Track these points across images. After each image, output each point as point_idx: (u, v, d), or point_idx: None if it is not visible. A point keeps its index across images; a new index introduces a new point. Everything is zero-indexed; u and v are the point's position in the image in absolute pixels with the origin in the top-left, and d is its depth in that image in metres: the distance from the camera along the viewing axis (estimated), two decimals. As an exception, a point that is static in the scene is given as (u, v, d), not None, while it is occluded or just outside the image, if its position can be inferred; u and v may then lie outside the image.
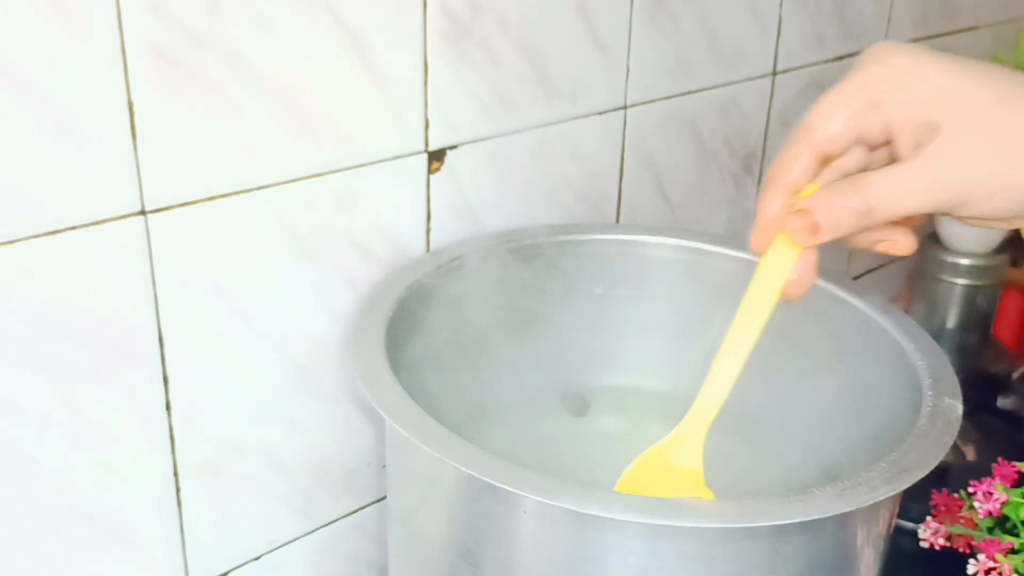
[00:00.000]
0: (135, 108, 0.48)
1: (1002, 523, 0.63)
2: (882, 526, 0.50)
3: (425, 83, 0.60)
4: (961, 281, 0.94)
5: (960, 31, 1.02)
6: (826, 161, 0.47)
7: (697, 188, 0.81)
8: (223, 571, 0.60)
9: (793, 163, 0.46)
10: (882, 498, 0.43)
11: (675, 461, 0.49)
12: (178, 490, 0.56)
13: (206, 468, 0.57)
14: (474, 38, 0.61)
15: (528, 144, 0.67)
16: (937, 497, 0.66)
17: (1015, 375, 0.98)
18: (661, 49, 0.73)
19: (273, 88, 0.53)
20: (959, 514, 0.65)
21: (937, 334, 0.94)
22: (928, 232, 0.97)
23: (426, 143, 0.61)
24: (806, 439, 0.62)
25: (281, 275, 0.57)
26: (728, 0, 0.76)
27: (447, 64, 0.60)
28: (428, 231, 0.63)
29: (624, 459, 0.66)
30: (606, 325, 0.68)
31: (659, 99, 0.75)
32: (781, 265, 0.47)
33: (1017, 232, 0.97)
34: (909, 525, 0.67)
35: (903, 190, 0.43)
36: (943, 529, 0.65)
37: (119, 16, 0.46)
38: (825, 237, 0.45)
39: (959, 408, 0.50)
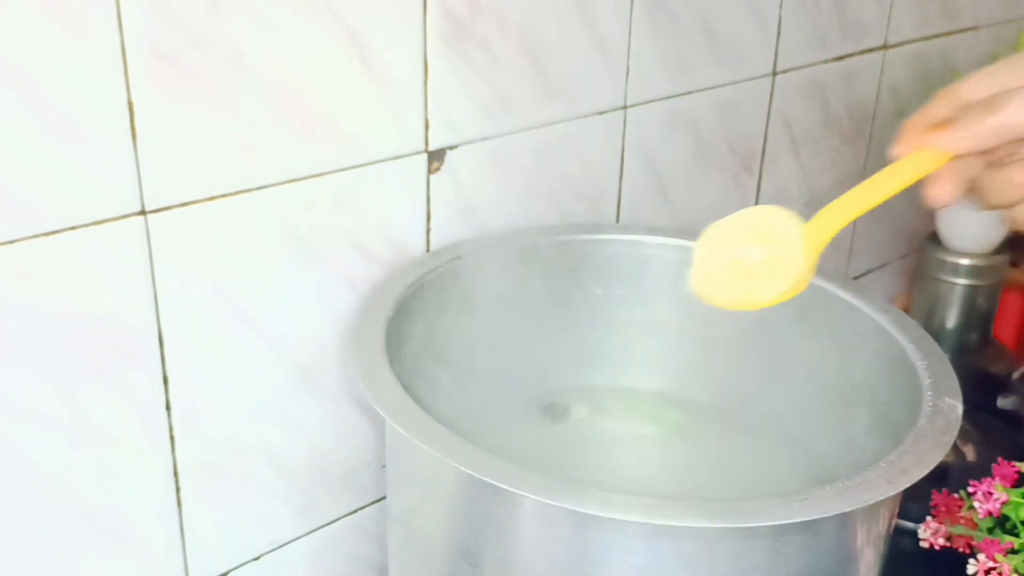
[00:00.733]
0: (135, 108, 0.48)
1: (1002, 523, 0.62)
2: (882, 526, 0.50)
3: (425, 83, 0.60)
4: (961, 281, 0.94)
5: (960, 31, 1.02)
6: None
7: (697, 188, 0.81)
8: (223, 571, 0.60)
9: (934, 112, 0.48)
10: (882, 498, 0.43)
11: (780, 239, 0.47)
12: (178, 490, 0.56)
13: (206, 468, 0.57)
14: (474, 38, 0.61)
15: (528, 144, 0.67)
16: (937, 497, 0.66)
17: (1015, 375, 0.97)
18: (661, 49, 0.73)
19: (273, 88, 0.53)
20: (959, 514, 0.65)
21: (937, 334, 0.94)
22: (928, 232, 0.97)
23: (426, 143, 0.61)
24: (806, 438, 0.62)
25: (281, 275, 0.57)
26: (728, 0, 0.77)
27: (447, 64, 0.60)
28: (428, 231, 0.63)
29: (624, 459, 0.66)
30: (606, 325, 0.68)
31: (659, 99, 0.75)
32: (921, 162, 0.47)
33: (1017, 232, 0.97)
34: (909, 525, 0.67)
35: None
36: (943, 529, 0.65)
37: (119, 16, 0.46)
38: (963, 144, 0.46)
39: (959, 408, 0.50)
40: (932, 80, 1.01)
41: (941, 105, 0.49)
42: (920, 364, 0.54)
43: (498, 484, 0.43)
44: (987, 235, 0.93)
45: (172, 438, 0.55)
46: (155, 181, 0.50)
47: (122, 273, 0.50)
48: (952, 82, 0.49)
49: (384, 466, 0.65)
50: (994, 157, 0.48)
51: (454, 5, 0.59)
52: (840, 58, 0.89)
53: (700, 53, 0.76)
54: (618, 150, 0.73)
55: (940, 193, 0.48)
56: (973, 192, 0.50)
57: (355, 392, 0.62)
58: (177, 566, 0.57)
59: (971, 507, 0.63)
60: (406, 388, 0.49)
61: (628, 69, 0.71)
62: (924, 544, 0.65)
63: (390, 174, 0.60)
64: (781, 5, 0.81)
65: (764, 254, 0.47)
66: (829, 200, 0.49)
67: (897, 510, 0.51)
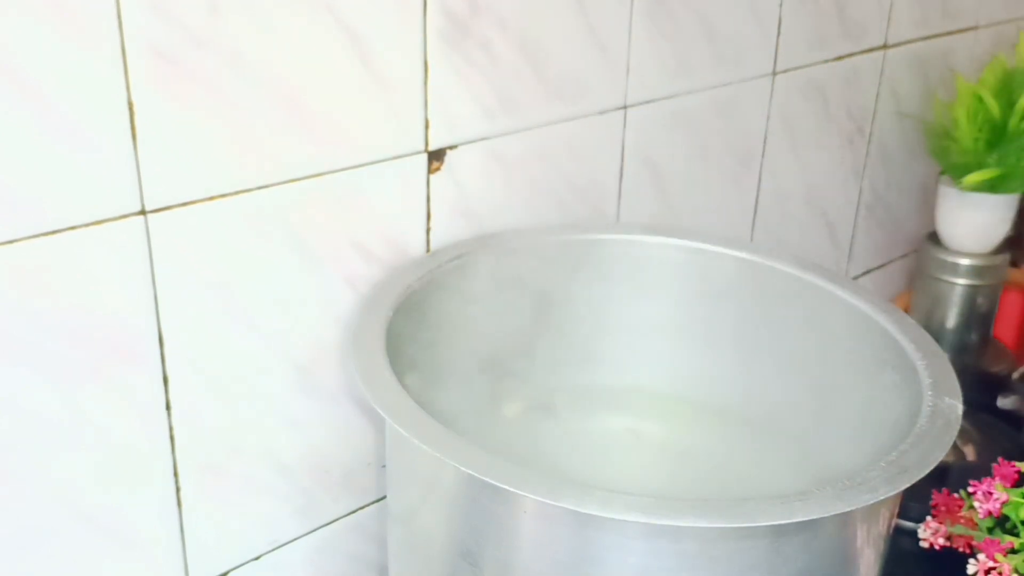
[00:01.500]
0: (135, 108, 0.48)
1: (1002, 523, 0.62)
2: (882, 526, 0.50)
3: (425, 83, 0.60)
4: (961, 281, 0.94)
5: (960, 31, 1.02)
6: None
7: (697, 187, 0.81)
8: (223, 571, 0.60)
9: None
10: (882, 498, 0.43)
11: None
12: (178, 490, 0.56)
13: (206, 468, 0.57)
14: (474, 38, 0.61)
15: (528, 144, 0.67)
16: (937, 497, 0.66)
17: (1015, 375, 0.98)
18: (661, 49, 0.73)
19: (273, 88, 0.53)
20: (959, 514, 0.65)
21: (937, 334, 0.95)
22: (928, 232, 0.97)
23: (426, 143, 0.61)
24: (806, 438, 0.62)
25: (281, 275, 0.57)
26: (728, 0, 0.77)
27: (447, 64, 0.60)
28: (428, 231, 0.63)
29: (624, 459, 0.66)
30: (606, 325, 0.68)
31: (659, 99, 0.75)
32: None
33: (1017, 232, 0.97)
34: (909, 525, 0.67)
35: None
36: (943, 529, 0.65)
37: (119, 16, 0.46)
38: None
39: (959, 408, 0.50)
40: (932, 80, 1.01)
41: None
42: (920, 364, 0.54)
43: (498, 484, 0.43)
44: (987, 235, 0.93)
45: (172, 438, 0.55)
46: (155, 181, 0.50)
47: (122, 273, 0.50)
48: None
49: (384, 466, 0.65)
50: None
51: (454, 5, 0.59)
52: (840, 58, 0.89)
53: (700, 53, 0.76)
54: (618, 150, 0.73)
55: None
56: None
57: (355, 392, 0.62)
58: (177, 566, 0.57)
59: (971, 507, 0.63)
60: (406, 388, 0.49)
61: (628, 69, 0.71)
62: (924, 544, 0.65)
63: (390, 174, 0.60)
64: (781, 5, 0.81)
65: None
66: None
67: (897, 510, 0.51)
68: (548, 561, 0.46)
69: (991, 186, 0.91)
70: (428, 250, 0.64)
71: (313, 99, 0.55)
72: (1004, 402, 0.92)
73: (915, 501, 0.66)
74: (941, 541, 0.65)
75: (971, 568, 0.60)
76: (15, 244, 0.46)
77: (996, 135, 0.90)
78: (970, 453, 0.87)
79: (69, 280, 0.48)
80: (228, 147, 0.52)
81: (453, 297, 0.61)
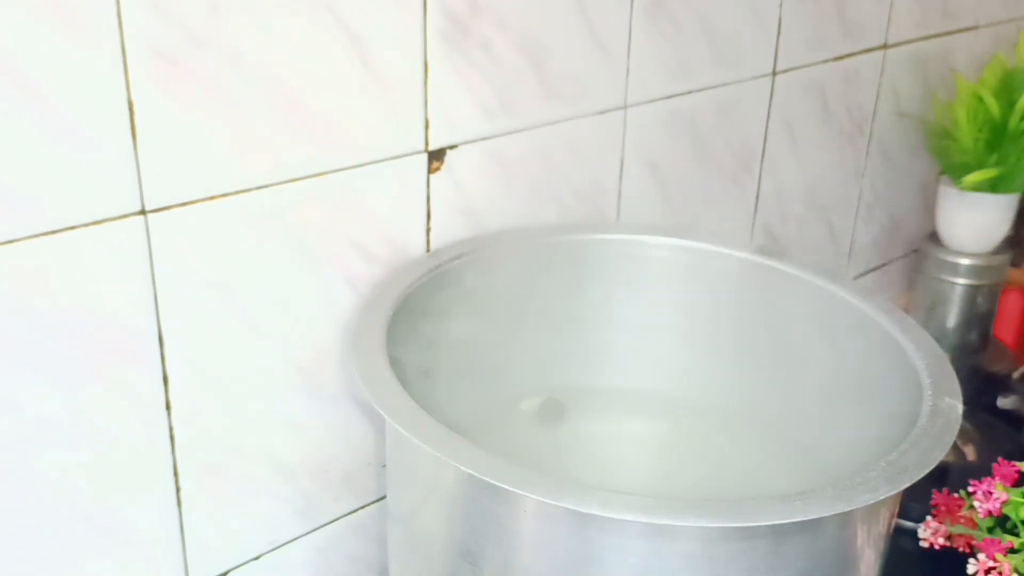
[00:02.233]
0: (135, 108, 0.48)
1: (1002, 523, 0.62)
2: (882, 526, 0.50)
3: (425, 83, 0.60)
4: (961, 281, 0.94)
5: (960, 31, 1.02)
6: None
7: (697, 188, 0.81)
8: (223, 571, 0.60)
9: None
10: (882, 498, 0.43)
11: None
12: (178, 490, 0.56)
13: (206, 468, 0.57)
14: (474, 38, 0.61)
15: (528, 144, 0.67)
16: (937, 497, 0.66)
17: (1015, 375, 0.98)
18: (661, 49, 0.73)
19: (273, 88, 0.53)
20: (959, 514, 0.65)
21: (937, 334, 0.94)
22: (928, 232, 0.97)
23: (426, 143, 0.61)
24: (806, 438, 0.62)
25: (281, 275, 0.57)
26: (728, 0, 0.77)
27: (447, 64, 0.60)
28: (428, 231, 0.63)
29: (623, 459, 0.66)
30: (606, 324, 0.68)
31: (659, 99, 0.75)
32: None
33: (1017, 232, 0.97)
34: (909, 525, 0.67)
35: None
36: (943, 529, 0.65)
37: (119, 16, 0.46)
38: None
39: (959, 408, 0.50)
40: (932, 80, 1.01)
41: None
42: (920, 364, 0.54)
43: (498, 484, 0.43)
44: (987, 235, 0.93)
45: (172, 438, 0.55)
46: (155, 181, 0.50)
47: (122, 273, 0.50)
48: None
49: (384, 466, 0.65)
50: None
51: (454, 5, 0.59)
52: (840, 58, 0.89)
53: (700, 53, 0.76)
54: (618, 150, 0.73)
55: None
56: None
57: (355, 392, 0.62)
58: (177, 566, 0.57)
59: (971, 507, 0.63)
60: (406, 388, 0.49)
61: (628, 69, 0.71)
62: (924, 544, 0.65)
63: (390, 174, 0.60)
64: (781, 5, 0.81)
65: None
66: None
67: (897, 510, 0.51)
68: (548, 561, 0.46)
69: (991, 186, 0.91)
70: (428, 250, 0.64)
71: (313, 99, 0.55)
72: (1004, 402, 0.92)
73: (915, 501, 0.66)
74: (941, 541, 0.65)
75: (971, 568, 0.60)
76: (15, 244, 0.46)
77: (996, 135, 0.90)
78: (970, 453, 0.87)
79: (69, 280, 0.48)
80: (228, 147, 0.52)
81: (453, 297, 0.61)
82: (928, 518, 0.66)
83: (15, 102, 0.44)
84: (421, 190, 0.62)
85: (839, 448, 0.59)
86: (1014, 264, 1.00)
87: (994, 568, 0.59)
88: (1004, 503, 0.61)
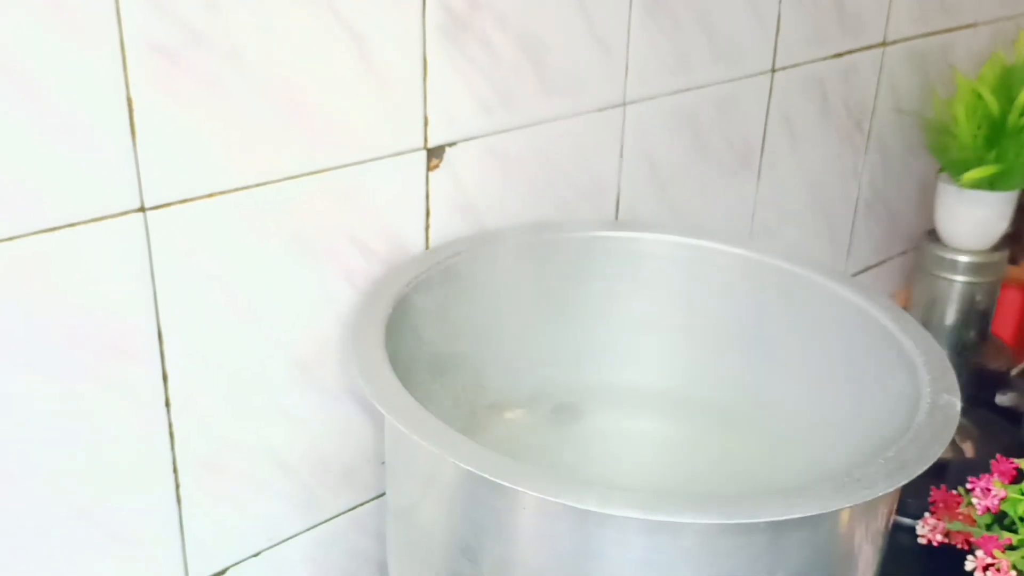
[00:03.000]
0: (134, 105, 0.48)
1: (1000, 519, 0.63)
2: (880, 522, 0.50)
3: (424, 80, 0.60)
4: (960, 278, 0.94)
5: (959, 28, 1.02)
6: None
7: (696, 184, 0.81)
8: (222, 567, 0.60)
9: None
10: (880, 494, 0.43)
11: None
12: (177, 486, 0.56)
13: (205, 464, 0.57)
14: (473, 34, 0.61)
15: (527, 141, 0.67)
16: (935, 493, 0.66)
17: (1013, 372, 0.98)
18: (660, 46, 0.73)
19: (272, 85, 0.53)
20: (957, 510, 0.65)
21: (936, 331, 0.95)
22: (927, 229, 0.97)
23: (425, 140, 0.61)
24: (804, 434, 0.62)
25: (280, 272, 0.57)
26: (727, -3, 0.77)
27: (446, 61, 0.60)
28: (427, 228, 0.63)
29: (623, 456, 0.66)
30: (605, 321, 0.68)
31: (658, 96, 0.75)
32: None
33: (1016, 229, 0.97)
34: (907, 521, 0.67)
35: None
36: (941, 525, 0.65)
37: (118, 13, 0.46)
38: None
39: (957, 405, 0.50)
40: (931, 77, 1.01)
41: None
42: (919, 360, 0.54)
43: (497, 480, 0.43)
44: (986, 232, 0.93)
45: (172, 435, 0.55)
46: (154, 178, 0.50)
47: (122, 270, 0.50)
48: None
49: (384, 462, 0.65)
50: None
51: (453, 1, 0.59)
52: (839, 55, 0.89)
53: (699, 50, 0.76)
54: (617, 147, 0.73)
55: None
56: None
57: (354, 389, 0.62)
58: (176, 562, 0.57)
59: (969, 503, 0.63)
60: (405, 385, 0.49)
61: (627, 66, 0.71)
62: (922, 540, 0.66)
63: (389, 171, 0.60)
64: (780, 2, 0.81)
65: None
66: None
67: (896, 506, 0.51)
68: (547, 557, 0.46)
69: (990, 183, 0.91)
70: (427, 247, 0.64)
71: (312, 96, 0.55)
72: (1002, 399, 0.92)
73: (914, 497, 0.67)
74: (939, 537, 0.65)
75: (969, 564, 0.60)
76: (14, 241, 0.46)
77: (995, 132, 0.90)
78: (968, 450, 0.88)
79: (68, 277, 0.48)
80: (227, 144, 0.52)
81: (452, 294, 0.61)
82: (926, 514, 0.66)
83: (15, 99, 0.44)
84: (420, 187, 0.62)
85: (837, 444, 0.59)
86: (1013, 261, 1.00)
87: (992, 564, 0.59)
88: (1002, 500, 0.61)
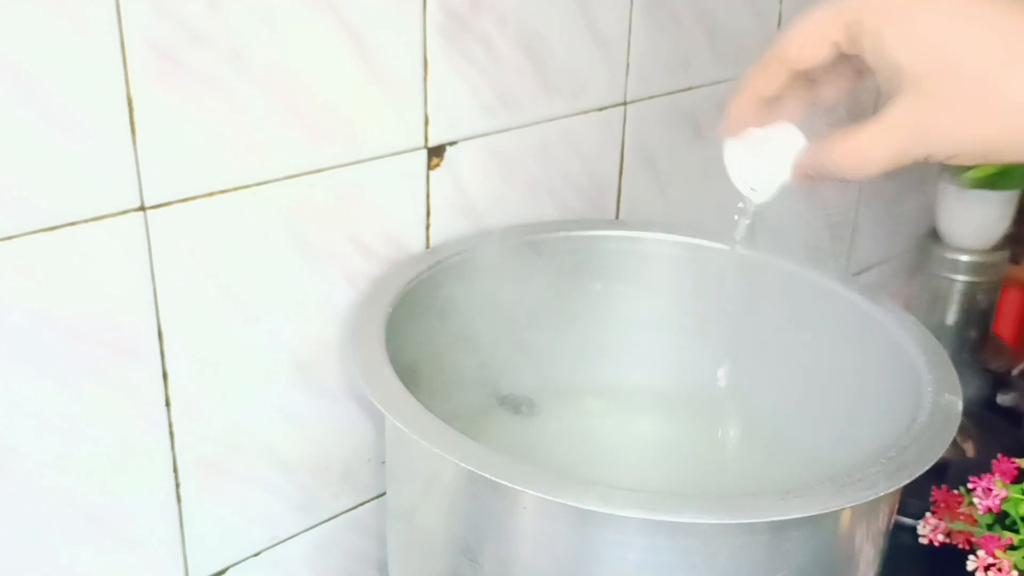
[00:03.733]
0: (134, 104, 0.48)
1: (1001, 519, 0.63)
2: (882, 522, 0.50)
3: (425, 79, 0.60)
4: (961, 278, 0.94)
5: (960, 27, 1.02)
6: (802, 75, 0.51)
7: (696, 184, 0.81)
8: (222, 567, 0.60)
9: (762, 74, 0.53)
10: (881, 494, 0.43)
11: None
12: (178, 486, 0.56)
13: (206, 464, 0.57)
14: (474, 34, 0.61)
15: (528, 140, 0.67)
16: (937, 493, 0.66)
17: (1015, 371, 0.98)
18: (661, 45, 0.73)
19: (273, 84, 0.53)
20: (958, 510, 0.65)
21: (937, 330, 0.94)
22: (928, 229, 0.97)
23: (426, 139, 0.61)
24: (805, 434, 0.62)
25: (281, 271, 0.57)
26: (728, -4, 0.77)
27: (447, 60, 0.60)
28: (428, 227, 0.63)
29: (623, 455, 0.66)
30: (606, 321, 0.68)
31: (659, 95, 0.75)
32: None
33: (1017, 229, 0.97)
34: (909, 521, 0.67)
35: (865, 157, 0.49)
36: (942, 525, 0.65)
37: (118, 11, 0.46)
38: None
39: (959, 404, 0.50)
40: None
41: (769, 65, 0.53)
42: (920, 360, 0.54)
43: (498, 480, 0.43)
44: (987, 232, 0.93)
45: (172, 434, 0.55)
46: (155, 177, 0.50)
47: (121, 269, 0.50)
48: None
49: (384, 462, 0.65)
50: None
51: (453, 1, 0.59)
52: (840, 54, 0.89)
53: (700, 49, 0.76)
54: (618, 146, 0.73)
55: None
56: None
57: (355, 388, 0.62)
58: (176, 562, 0.57)
59: (971, 503, 0.63)
60: (406, 384, 0.49)
61: (628, 65, 0.71)
62: (924, 540, 0.65)
63: (390, 170, 0.60)
64: (781, 2, 0.81)
65: None
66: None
67: (897, 506, 0.51)
68: (548, 557, 0.46)
69: (991, 183, 0.91)
70: (428, 246, 0.64)
71: (313, 95, 0.54)
72: (1004, 398, 0.92)
73: (915, 497, 0.66)
74: (941, 537, 0.65)
75: (971, 564, 0.60)
76: (14, 240, 0.46)
77: (996, 131, 0.90)
78: (970, 449, 0.87)
79: (68, 276, 0.48)
80: (227, 143, 0.52)
81: (453, 293, 0.61)
82: (928, 515, 0.66)
83: (14, 98, 0.44)
84: (421, 186, 0.62)
85: (838, 444, 0.59)
86: (1014, 261, 1.00)
87: (993, 565, 0.59)
88: (1004, 500, 0.61)
